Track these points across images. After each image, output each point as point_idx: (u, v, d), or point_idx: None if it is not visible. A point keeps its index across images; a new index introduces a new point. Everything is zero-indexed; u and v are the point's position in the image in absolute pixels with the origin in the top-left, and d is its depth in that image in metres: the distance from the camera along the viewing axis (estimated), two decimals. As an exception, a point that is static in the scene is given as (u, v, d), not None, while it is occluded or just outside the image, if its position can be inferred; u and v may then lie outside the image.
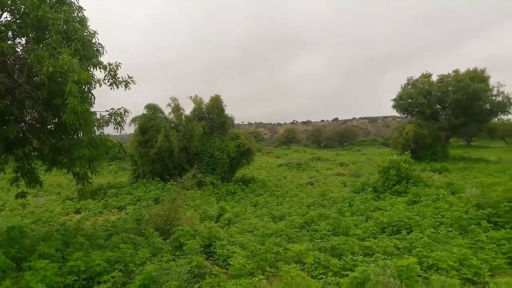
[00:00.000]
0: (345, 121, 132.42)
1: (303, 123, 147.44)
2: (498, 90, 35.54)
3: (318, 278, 6.05)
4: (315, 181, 21.86)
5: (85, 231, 8.58)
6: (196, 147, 20.39)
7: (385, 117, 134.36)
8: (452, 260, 6.07)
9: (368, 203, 12.48)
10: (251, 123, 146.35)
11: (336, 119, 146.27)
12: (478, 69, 35.82)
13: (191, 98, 22.09)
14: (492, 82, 35.45)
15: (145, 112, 20.87)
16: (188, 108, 22.41)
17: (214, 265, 6.68)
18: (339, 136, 72.05)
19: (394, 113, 41.53)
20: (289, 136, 74.57)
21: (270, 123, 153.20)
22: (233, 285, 5.50)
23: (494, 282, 5.37)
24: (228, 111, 23.64)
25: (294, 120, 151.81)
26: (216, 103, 21.71)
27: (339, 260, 6.49)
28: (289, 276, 5.62)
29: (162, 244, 7.46)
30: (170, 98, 21.72)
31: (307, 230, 9.18)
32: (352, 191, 15.78)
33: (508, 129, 59.38)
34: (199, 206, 13.30)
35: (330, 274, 6.04)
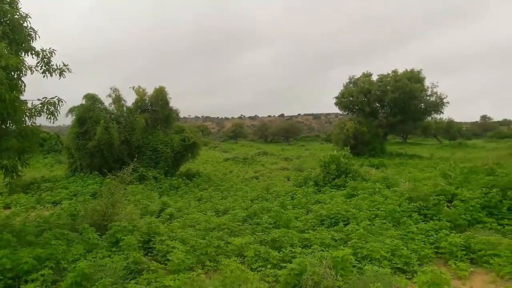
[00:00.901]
0: (290, 117, 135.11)
1: (251, 118, 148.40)
2: (432, 91, 38.00)
3: (257, 271, 6.12)
4: (260, 175, 22.03)
5: (14, 227, 8.00)
6: (138, 140, 19.68)
7: (328, 114, 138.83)
8: (385, 251, 6.38)
9: (309, 196, 12.79)
10: (198, 117, 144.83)
11: (282, 115, 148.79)
12: (415, 70, 38.00)
13: (133, 89, 21.26)
14: (427, 82, 37.81)
15: (83, 102, 19.80)
16: (130, 100, 21.47)
17: (153, 261, 6.55)
18: (285, 132, 73.35)
19: (336, 110, 42.98)
20: (236, 131, 74.73)
21: (218, 117, 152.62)
22: (171, 280, 5.42)
23: (421, 270, 5.69)
24: (174, 103, 23.10)
25: (242, 115, 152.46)
26: (161, 95, 21.09)
27: (278, 252, 6.60)
28: (228, 269, 5.62)
29: (98, 240, 7.16)
30: (111, 89, 20.72)
31: (250, 224, 9.23)
32: (295, 185, 16.09)
33: (440, 127, 63.87)
34: (140, 201, 12.88)
35: (269, 266, 6.11)
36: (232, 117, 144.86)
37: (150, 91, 21.54)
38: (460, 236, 7.12)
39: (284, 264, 5.90)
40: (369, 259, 6.22)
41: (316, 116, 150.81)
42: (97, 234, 7.35)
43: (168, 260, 6.36)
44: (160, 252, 6.95)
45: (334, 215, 9.19)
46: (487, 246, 6.61)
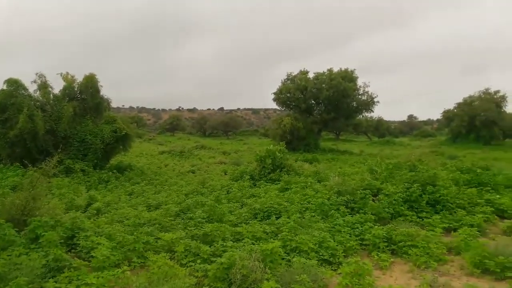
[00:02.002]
0: (230, 111, 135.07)
1: (189, 110, 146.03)
2: (364, 90, 39.91)
3: (187, 266, 6.00)
4: (197, 169, 21.76)
5: None
6: (65, 130, 18.43)
7: (267, 109, 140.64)
8: (313, 243, 6.55)
9: (245, 190, 12.85)
10: (133, 107, 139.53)
11: (222, 109, 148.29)
12: (348, 70, 39.67)
13: (61, 75, 19.85)
14: (359, 82, 39.64)
15: (4, 87, 18.15)
16: (58, 87, 20.02)
17: (75, 258, 6.18)
18: (224, 125, 73.25)
19: (275, 105, 43.63)
20: (173, 123, 73.22)
21: (154, 108, 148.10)
22: (94, 277, 5.15)
23: (346, 262, 5.95)
24: (107, 92, 21.90)
25: (180, 107, 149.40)
26: (91, 83, 19.89)
27: (210, 247, 6.52)
28: (156, 265, 5.46)
29: (15, 236, 6.58)
30: (36, 74, 19.21)
31: (182, 219, 9.06)
32: (231, 179, 16.09)
33: (371, 125, 67.54)
34: (65, 195, 12.12)
35: (199, 261, 6.02)
36: (170, 109, 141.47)
37: (80, 78, 20.28)
38: (383, 228, 7.51)
39: (215, 259, 5.84)
40: (297, 251, 6.35)
41: (255, 111, 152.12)
42: (15, 230, 6.76)
43: (92, 257, 6.04)
44: (84, 248, 6.57)
45: (267, 209, 9.30)
46: (407, 237, 7.03)
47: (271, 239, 6.93)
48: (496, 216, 9.20)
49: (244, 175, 15.48)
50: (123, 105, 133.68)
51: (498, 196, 10.36)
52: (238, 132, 78.15)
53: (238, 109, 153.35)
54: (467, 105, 48.75)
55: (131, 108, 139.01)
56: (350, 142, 56.93)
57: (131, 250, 6.51)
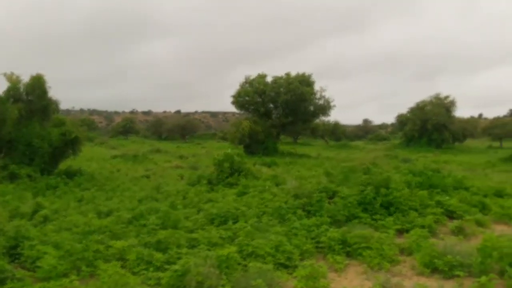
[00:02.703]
0: (187, 114, 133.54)
1: (144, 113, 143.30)
2: (321, 94, 40.68)
3: (139, 274, 5.79)
4: (152, 174, 21.16)
5: None
6: (10, 133, 17.34)
7: (226, 113, 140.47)
8: (269, 247, 6.50)
9: (202, 195, 12.63)
10: (84, 110, 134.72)
11: (178, 111, 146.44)
12: (306, 74, 40.30)
13: (4, 75, 18.66)
14: (317, 86, 40.40)
15: None
16: (1, 87, 18.79)
17: (19, 268, 5.86)
18: (181, 129, 72.09)
19: (234, 109, 43.54)
20: (127, 126, 71.26)
21: (107, 110, 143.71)
22: (39, 288, 4.87)
23: (302, 265, 5.94)
24: (56, 93, 20.64)
25: (134, 109, 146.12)
26: (38, 84, 18.80)
27: (163, 254, 6.32)
28: (106, 274, 5.23)
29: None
30: (-24, 74, 17.97)
31: (135, 226, 8.74)
32: (188, 184, 15.79)
33: (328, 129, 69.11)
34: (9, 202, 11.38)
35: (152, 269, 5.81)
36: (123, 111, 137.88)
37: (26, 78, 19.15)
38: (338, 231, 7.61)
39: (168, 266, 5.66)
40: (254, 256, 6.28)
41: (213, 114, 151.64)
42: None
43: (38, 267, 5.75)
44: (29, 258, 6.25)
45: (224, 214, 9.16)
46: (361, 239, 7.15)
47: (228, 244, 6.81)
48: (445, 217, 9.63)
49: (201, 180, 15.24)
50: (73, 107, 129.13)
51: (447, 197, 10.86)
52: (195, 135, 77.37)
53: (196, 112, 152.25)
54: (419, 109, 50.95)
55: (81, 110, 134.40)
56: (308, 146, 57.92)
57: (80, 259, 6.22)
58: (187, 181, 16.53)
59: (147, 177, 20.06)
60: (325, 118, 47.48)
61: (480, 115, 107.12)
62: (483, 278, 5.22)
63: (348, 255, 7.06)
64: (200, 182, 14.96)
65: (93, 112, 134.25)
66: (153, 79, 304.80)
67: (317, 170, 18.92)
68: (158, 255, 6.16)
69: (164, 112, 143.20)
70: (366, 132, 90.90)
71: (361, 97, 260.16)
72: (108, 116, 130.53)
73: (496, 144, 55.72)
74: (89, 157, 30.18)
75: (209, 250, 6.34)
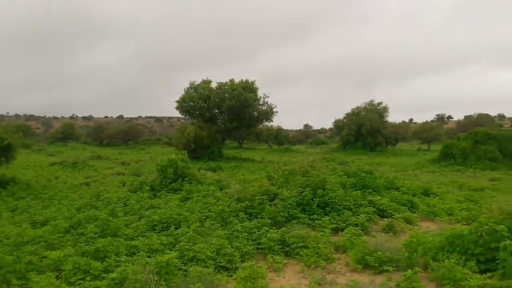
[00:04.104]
0: (130, 119, 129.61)
1: (84, 118, 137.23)
2: (264, 101, 41.40)
3: (75, 284, 5.64)
4: (92, 181, 20.33)
5: None
6: None
7: (171, 118, 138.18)
8: (210, 251, 6.61)
9: (144, 201, 12.41)
10: (19, 115, 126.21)
11: (121, 116, 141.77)
12: (249, 81, 40.83)
13: None
14: (260, 93, 41.05)
15: None
16: None
17: None
18: (123, 134, 69.69)
19: (179, 114, 42.97)
20: (66, 132, 67.55)
21: (45, 116, 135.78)
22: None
23: (242, 266, 6.11)
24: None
25: (74, 115, 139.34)
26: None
27: (102, 262, 6.19)
28: (39, 286, 5.05)
29: None
30: None
31: (72, 235, 8.44)
32: (129, 191, 15.41)
33: (271, 134, 70.31)
34: None
35: (89, 278, 5.68)
36: (63, 117, 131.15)
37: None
38: (277, 231, 7.89)
39: (106, 275, 5.57)
40: (195, 260, 6.36)
41: (158, 119, 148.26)
42: None
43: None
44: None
45: (167, 219, 9.12)
46: (299, 239, 7.49)
47: (168, 250, 6.82)
48: (377, 216, 10.28)
49: (144, 186, 14.95)
50: (7, 113, 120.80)
51: (379, 197, 11.60)
52: (139, 141, 75.12)
53: (140, 117, 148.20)
54: (354, 115, 53.62)
55: (17, 116, 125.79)
56: (253, 150, 58.52)
57: (10, 271, 5.89)
58: (129, 188, 16.13)
59: (87, 184, 19.28)
60: (268, 124, 48.35)
61: (411, 120, 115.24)
62: (409, 272, 5.67)
63: (287, 254, 7.35)
64: (143, 189, 14.67)
65: (29, 117, 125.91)
66: (95, 83, 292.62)
67: (260, 174, 19.27)
68: (96, 264, 6.02)
69: (106, 117, 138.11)
70: (306, 136, 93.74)
71: (303, 104, 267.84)
72: (46, 121, 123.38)
73: (425, 147, 60.07)
74: (25, 164, 28.44)
75: (149, 257, 6.31)
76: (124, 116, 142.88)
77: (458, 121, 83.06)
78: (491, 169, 27.30)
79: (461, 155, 30.72)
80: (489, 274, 5.61)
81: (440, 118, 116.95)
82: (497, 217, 6.86)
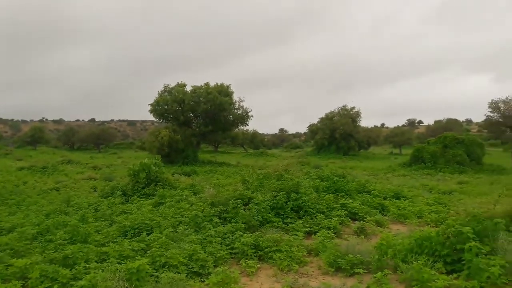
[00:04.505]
0: (102, 122, 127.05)
1: (55, 121, 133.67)
2: (239, 104, 41.49)
3: (42, 293, 5.46)
4: (62, 187, 19.78)
5: None
6: None
7: (144, 121, 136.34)
8: (183, 256, 6.53)
9: (115, 207, 12.17)
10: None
11: (93, 120, 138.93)
12: (224, 84, 40.85)
13: None
14: (235, 97, 41.12)
15: None
16: None
17: None
18: (95, 138, 68.38)
19: (153, 117, 42.48)
20: (35, 136, 65.55)
21: (13, 119, 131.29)
22: None
23: (215, 272, 6.07)
24: None
25: (44, 118, 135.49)
26: None
27: (70, 270, 6.03)
28: (2, 296, 4.85)
29: None
30: None
31: (40, 242, 8.18)
32: (101, 196, 15.08)
33: (247, 137, 70.49)
34: None
35: (56, 286, 5.51)
36: (32, 120, 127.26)
37: None
38: (251, 236, 7.88)
39: (75, 282, 5.42)
40: (167, 266, 6.27)
41: (131, 123, 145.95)
42: None
43: None
44: None
45: (138, 225, 8.97)
46: (272, 243, 7.49)
47: (140, 256, 6.70)
48: (349, 219, 10.44)
49: (116, 191, 14.66)
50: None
51: (351, 200, 11.78)
52: (111, 145, 73.79)
53: (112, 120, 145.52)
54: (328, 119, 54.61)
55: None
56: (228, 154, 58.41)
57: (-27, 281, 5.65)
58: (100, 193, 15.78)
59: (57, 189, 18.76)
60: (244, 127, 48.53)
61: (383, 125, 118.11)
62: (379, 274, 5.76)
63: (260, 259, 7.33)
64: (114, 194, 14.39)
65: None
66: (66, 86, 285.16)
67: (235, 178, 19.24)
68: (65, 271, 5.84)
69: (77, 120, 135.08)
70: (282, 140, 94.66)
71: (279, 108, 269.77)
72: (14, 125, 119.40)
73: (396, 151, 61.66)
74: (-8, 169, 27.41)
75: (119, 263, 6.18)
76: (96, 120, 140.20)
77: (428, 126, 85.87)
78: (459, 173, 28.29)
79: (431, 159, 31.67)
80: (455, 275, 5.78)
81: (411, 123, 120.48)
82: (463, 219, 7.10)
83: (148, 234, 8.26)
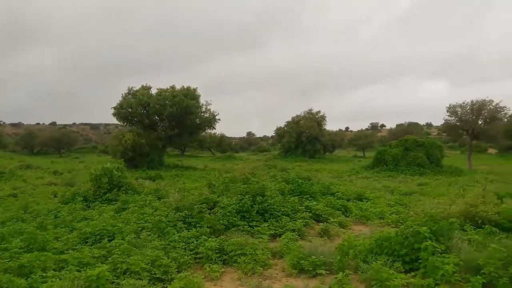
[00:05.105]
0: (64, 126, 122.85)
1: (13, 125, 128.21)
2: (206, 108, 41.24)
3: (-5, 305, 5.21)
4: (20, 193, 18.94)
5: None
6: None
7: (108, 124, 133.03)
8: (145, 262, 6.42)
9: (76, 213, 11.79)
10: None
11: (54, 123, 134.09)
12: (191, 88, 40.46)
13: None
14: (202, 100, 40.82)
15: None
16: None
17: None
18: (56, 142, 65.96)
19: (117, 121, 41.44)
20: (-9, 140, 62.55)
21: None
22: None
23: (178, 277, 6.01)
24: None
25: (1, 121, 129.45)
26: None
27: (26, 279, 5.79)
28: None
29: None
30: None
31: (-6, 251, 7.78)
32: (61, 202, 14.56)
33: (214, 141, 70.18)
34: None
35: (11, 297, 5.28)
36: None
37: None
38: (216, 240, 7.85)
39: (31, 293, 5.21)
40: (129, 273, 6.14)
41: (94, 126, 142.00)
42: None
43: None
44: None
45: (100, 231, 8.72)
46: (237, 247, 7.49)
47: (100, 263, 6.52)
48: (313, 221, 10.61)
49: (77, 197, 14.19)
50: None
51: (315, 202, 12.00)
52: (73, 149, 71.44)
53: (74, 124, 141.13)
54: (295, 123, 55.34)
55: None
56: (195, 158, 57.95)
57: None
58: (61, 199, 15.23)
59: (14, 196, 17.94)
60: (211, 131, 48.27)
61: (347, 128, 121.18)
62: (340, 275, 5.89)
63: (225, 263, 7.32)
64: (75, 200, 13.92)
65: None
66: (25, 88, 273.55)
67: (202, 182, 19.11)
68: (20, 281, 5.61)
69: (38, 124, 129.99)
70: (249, 144, 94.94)
71: (247, 112, 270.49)
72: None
73: (360, 153, 63.36)
74: None
75: (79, 271, 6.00)
76: (57, 123, 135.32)
77: (390, 129, 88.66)
78: (419, 174, 29.40)
79: (393, 161, 32.73)
80: (413, 274, 6.00)
81: (374, 127, 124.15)
82: (421, 219, 7.39)
83: (109, 241, 8.05)
